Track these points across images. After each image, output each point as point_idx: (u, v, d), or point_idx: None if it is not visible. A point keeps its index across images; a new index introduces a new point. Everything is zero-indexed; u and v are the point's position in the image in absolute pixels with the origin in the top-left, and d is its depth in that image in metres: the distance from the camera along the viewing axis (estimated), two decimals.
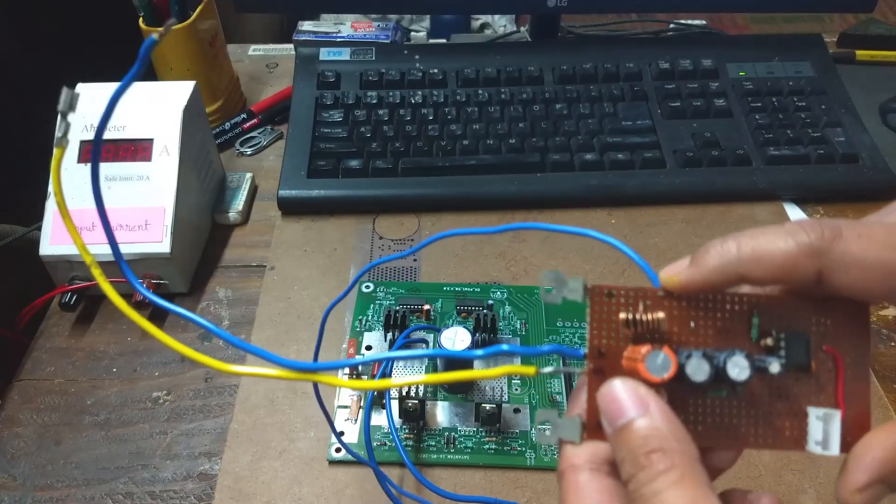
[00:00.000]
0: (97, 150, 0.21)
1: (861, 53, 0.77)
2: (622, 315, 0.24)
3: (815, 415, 0.25)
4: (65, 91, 0.22)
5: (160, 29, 0.25)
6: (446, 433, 0.45)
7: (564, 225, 0.28)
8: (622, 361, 0.25)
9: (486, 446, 0.45)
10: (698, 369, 0.23)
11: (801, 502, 0.42)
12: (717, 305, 0.25)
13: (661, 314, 0.24)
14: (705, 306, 0.25)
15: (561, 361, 0.47)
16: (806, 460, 0.44)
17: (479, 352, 0.25)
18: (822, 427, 0.25)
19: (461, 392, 0.47)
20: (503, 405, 0.45)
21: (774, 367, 0.24)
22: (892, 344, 0.52)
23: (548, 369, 0.26)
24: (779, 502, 0.24)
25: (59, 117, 0.22)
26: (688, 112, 0.66)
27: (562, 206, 0.61)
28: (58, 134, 0.22)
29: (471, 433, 0.45)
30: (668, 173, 0.62)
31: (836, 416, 0.25)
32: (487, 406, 0.44)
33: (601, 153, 0.63)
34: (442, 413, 0.46)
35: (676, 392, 0.24)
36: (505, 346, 0.25)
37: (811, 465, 0.44)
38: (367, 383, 0.24)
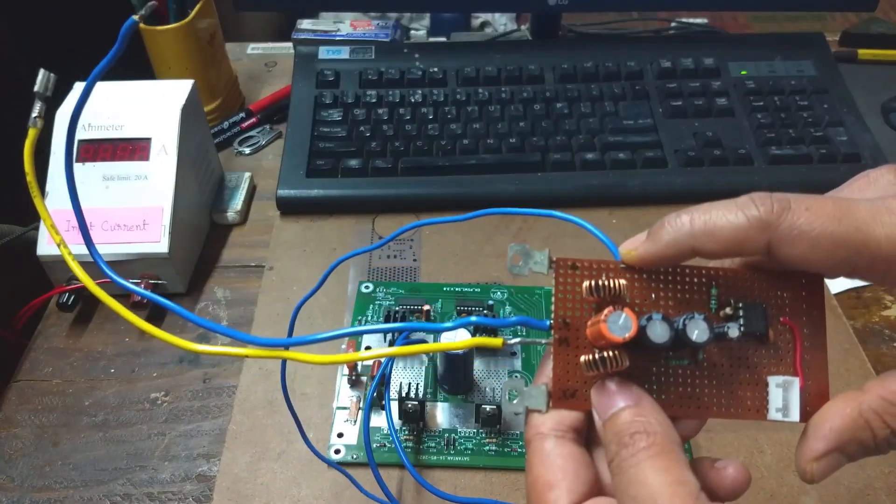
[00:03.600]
0: (72, 134, 0.21)
1: (863, 52, 0.76)
2: (586, 283, 0.25)
3: (774, 383, 0.26)
4: (42, 73, 0.21)
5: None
6: (446, 434, 0.45)
7: (543, 210, 0.31)
8: (586, 330, 0.25)
9: (487, 448, 0.44)
10: (659, 331, 0.24)
11: (803, 503, 0.42)
12: (677, 278, 0.26)
13: (622, 280, 0.25)
14: (665, 279, 0.26)
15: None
16: None
17: (449, 323, 0.26)
18: (782, 394, 0.25)
19: (461, 393, 0.47)
20: (503, 406, 0.45)
21: (733, 331, 0.24)
22: (895, 344, 0.51)
23: (514, 340, 0.27)
24: (745, 470, 0.25)
25: (34, 98, 0.21)
26: (689, 111, 0.66)
27: (563, 206, 0.61)
28: (33, 114, 0.22)
29: (471, 434, 0.45)
30: (669, 173, 0.62)
31: (795, 383, 0.25)
32: (488, 407, 0.44)
33: (602, 152, 0.62)
34: (442, 414, 0.46)
35: (639, 361, 0.25)
36: (473, 318, 0.26)
37: None
38: (335, 357, 0.26)
